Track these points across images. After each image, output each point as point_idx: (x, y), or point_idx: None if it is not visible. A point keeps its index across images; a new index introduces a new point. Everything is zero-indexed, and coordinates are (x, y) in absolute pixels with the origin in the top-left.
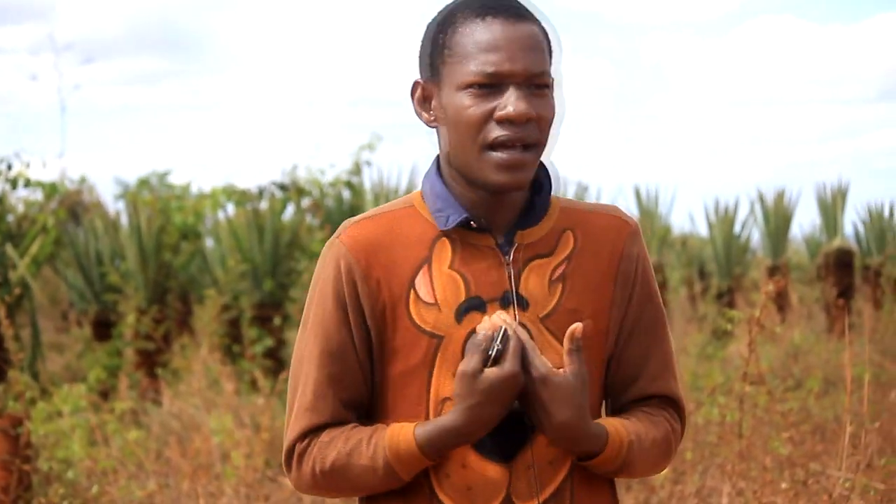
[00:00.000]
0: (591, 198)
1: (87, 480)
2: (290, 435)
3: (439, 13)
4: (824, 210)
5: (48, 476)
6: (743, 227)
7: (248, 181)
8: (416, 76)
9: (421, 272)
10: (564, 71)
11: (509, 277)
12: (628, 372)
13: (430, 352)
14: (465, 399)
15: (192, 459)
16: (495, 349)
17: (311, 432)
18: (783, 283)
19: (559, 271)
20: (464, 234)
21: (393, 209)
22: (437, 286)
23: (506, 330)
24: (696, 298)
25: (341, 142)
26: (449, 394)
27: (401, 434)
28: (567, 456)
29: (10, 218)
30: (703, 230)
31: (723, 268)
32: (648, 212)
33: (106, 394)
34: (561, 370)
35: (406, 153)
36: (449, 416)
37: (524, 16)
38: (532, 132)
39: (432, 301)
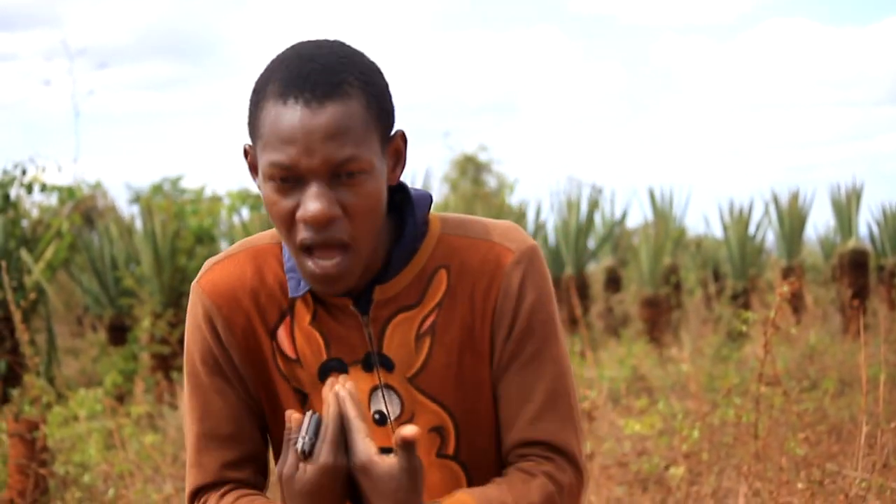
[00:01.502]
0: (605, 202)
1: (103, 484)
2: (186, 489)
3: (259, 76)
4: (838, 211)
5: (64, 480)
6: (758, 228)
7: None
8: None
9: (282, 325)
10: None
11: (370, 339)
12: (507, 416)
13: (299, 407)
14: (288, 502)
15: None
16: (303, 443)
17: (198, 492)
18: (798, 285)
19: (427, 322)
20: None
21: (257, 245)
22: (297, 342)
23: (317, 417)
24: (712, 300)
25: None
26: None
27: None
28: None
29: (25, 223)
30: (717, 232)
31: (738, 269)
32: (663, 214)
33: (122, 398)
34: (390, 457)
35: (419, 157)
36: None
37: (331, 94)
38: (341, 230)
39: (294, 357)
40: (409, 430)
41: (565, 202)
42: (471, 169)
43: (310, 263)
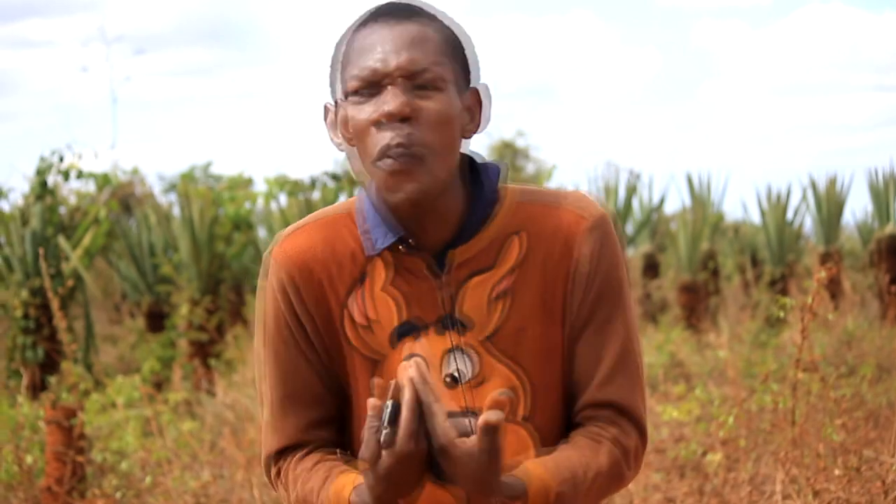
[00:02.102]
0: (643, 187)
1: (140, 472)
2: (263, 452)
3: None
4: (876, 196)
5: (102, 467)
6: (795, 214)
7: (301, 171)
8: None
9: (354, 292)
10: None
11: (443, 302)
12: (579, 377)
13: (370, 374)
14: (372, 489)
15: (246, 450)
16: (384, 434)
17: (279, 454)
18: (835, 270)
19: (502, 285)
20: (396, 255)
21: (328, 216)
22: (370, 309)
23: (394, 406)
24: (749, 286)
25: None
26: None
27: (341, 495)
28: None
29: (63, 210)
30: (755, 217)
31: (775, 255)
32: (701, 199)
33: (160, 385)
34: (471, 439)
35: None
36: (370, 497)
37: (411, 17)
38: (415, 137)
39: (366, 324)
40: (493, 416)
41: (603, 188)
42: (509, 155)
43: (383, 163)
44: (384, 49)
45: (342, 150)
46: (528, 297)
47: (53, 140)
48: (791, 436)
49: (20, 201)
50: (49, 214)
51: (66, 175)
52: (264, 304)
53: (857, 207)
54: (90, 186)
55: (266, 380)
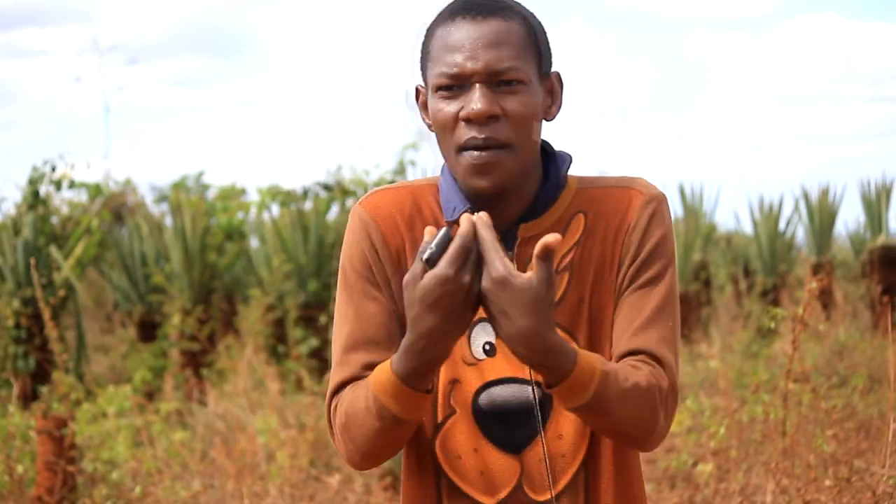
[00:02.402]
0: None
1: (131, 481)
2: (329, 388)
3: (429, 23)
4: (868, 207)
5: (93, 477)
6: (787, 224)
7: (293, 181)
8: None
9: None
10: (579, 66)
11: None
12: (616, 330)
13: None
14: (408, 311)
15: (237, 460)
16: (428, 252)
17: (341, 387)
18: (827, 281)
19: (566, 260)
20: None
21: (414, 184)
22: None
23: (446, 231)
24: (741, 296)
25: (386, 141)
26: (456, 375)
27: (382, 369)
28: (580, 448)
29: (55, 220)
30: (747, 228)
31: (767, 265)
32: (693, 210)
33: (151, 395)
34: (527, 274)
35: None
36: (405, 337)
37: (494, 13)
38: (501, 130)
39: None
40: (551, 237)
41: None
42: None
43: (468, 155)
44: (471, 47)
45: (431, 132)
46: (588, 270)
47: (46, 150)
48: (782, 446)
49: (12, 211)
50: (41, 224)
51: (58, 185)
52: (348, 250)
53: (850, 218)
54: (82, 196)
55: (341, 321)
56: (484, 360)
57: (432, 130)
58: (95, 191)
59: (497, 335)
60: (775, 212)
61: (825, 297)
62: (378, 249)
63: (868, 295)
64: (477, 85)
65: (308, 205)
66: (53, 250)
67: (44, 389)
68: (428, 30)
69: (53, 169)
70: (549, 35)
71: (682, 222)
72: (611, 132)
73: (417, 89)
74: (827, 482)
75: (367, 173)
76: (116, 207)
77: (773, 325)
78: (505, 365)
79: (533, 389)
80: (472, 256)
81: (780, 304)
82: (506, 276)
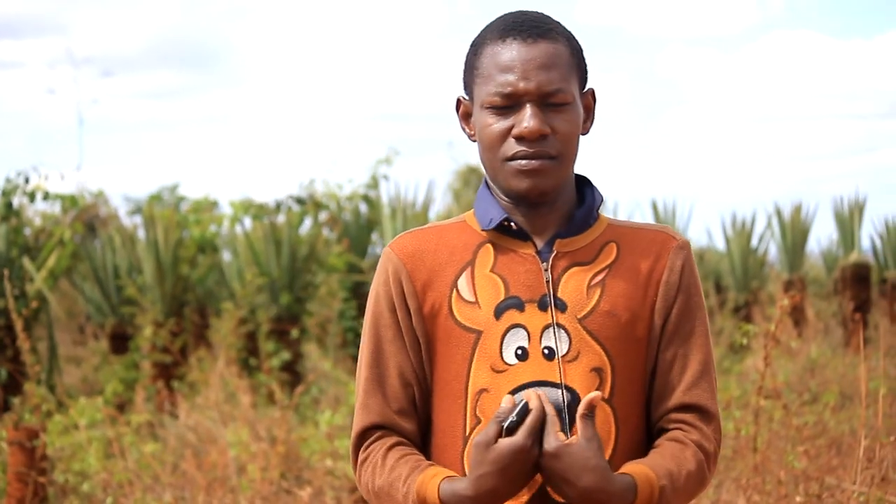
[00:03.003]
0: (607, 211)
1: (102, 493)
2: (353, 431)
3: (475, 38)
4: (841, 224)
5: (64, 488)
6: (760, 241)
7: (266, 195)
8: (458, 93)
9: (464, 274)
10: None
11: (547, 282)
12: (666, 380)
13: (470, 346)
14: (475, 468)
15: (208, 472)
16: (510, 421)
17: (367, 431)
18: (799, 298)
19: (599, 277)
20: (506, 241)
21: (444, 223)
22: (478, 286)
23: (525, 404)
24: (713, 312)
25: (359, 156)
26: (485, 384)
27: (429, 485)
28: (605, 450)
29: (28, 231)
30: (720, 244)
31: (740, 282)
32: (665, 225)
33: (122, 406)
34: (573, 438)
35: (423, 167)
36: (463, 482)
37: (544, 35)
38: (550, 146)
39: (473, 300)
40: (595, 394)
41: None
42: (474, 179)
43: (517, 162)
44: (523, 69)
45: (471, 140)
46: (620, 291)
47: (20, 161)
48: (753, 462)
49: None
50: (14, 236)
51: (31, 197)
52: (373, 291)
53: (822, 235)
54: (55, 208)
55: (362, 362)
56: (515, 365)
57: (473, 140)
58: (70, 202)
59: (563, 498)
60: (748, 228)
61: (797, 314)
62: (404, 284)
63: (840, 312)
64: (528, 105)
65: (281, 218)
66: (26, 262)
67: (15, 400)
68: (476, 45)
69: (27, 180)
70: (584, 53)
71: None
72: (585, 148)
73: (459, 100)
74: (798, 498)
75: (340, 187)
76: (89, 219)
77: (744, 341)
78: (535, 369)
79: (563, 393)
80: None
81: (751, 320)
82: (557, 450)
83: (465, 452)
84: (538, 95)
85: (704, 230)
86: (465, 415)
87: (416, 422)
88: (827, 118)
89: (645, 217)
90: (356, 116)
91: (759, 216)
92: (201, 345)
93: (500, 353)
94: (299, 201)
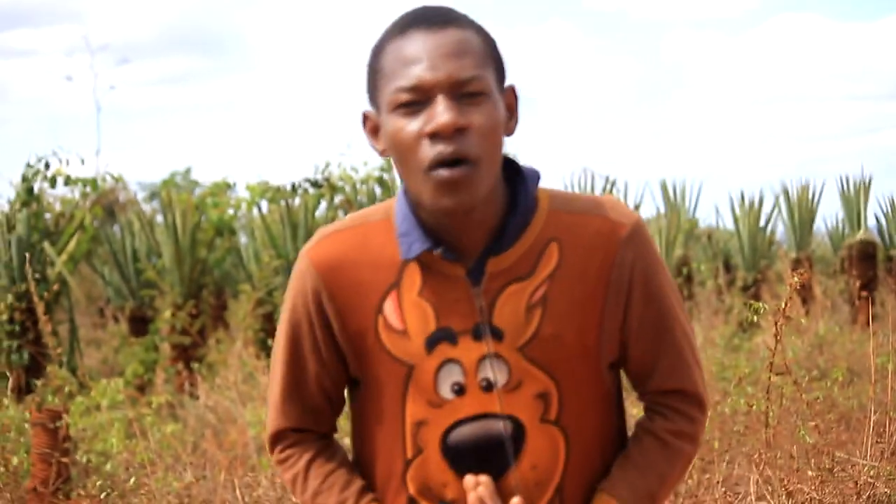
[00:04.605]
0: (618, 193)
1: (124, 473)
2: (267, 429)
3: (376, 42)
4: (847, 203)
5: (86, 468)
6: (768, 220)
7: (282, 178)
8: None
9: (389, 297)
10: (525, 77)
11: (480, 310)
12: (641, 370)
13: (402, 378)
14: None
15: (228, 451)
16: None
17: (284, 434)
18: (807, 276)
19: (538, 294)
20: (432, 261)
21: (368, 221)
22: (405, 313)
23: None
24: (723, 291)
25: None
26: (422, 417)
27: None
28: (553, 475)
29: (48, 216)
30: (728, 224)
31: (748, 260)
32: (675, 206)
33: (143, 388)
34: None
35: None
36: None
37: (450, 22)
38: (468, 144)
39: (401, 328)
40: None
41: None
42: None
43: (437, 174)
44: (430, 58)
45: (385, 157)
46: (563, 303)
47: (38, 148)
48: (765, 438)
49: (6, 207)
50: (35, 220)
51: (52, 182)
52: (290, 299)
53: (829, 214)
54: (75, 193)
55: (278, 363)
56: (452, 400)
57: (386, 156)
58: (91, 185)
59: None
60: (756, 208)
61: (804, 292)
62: (325, 304)
63: (847, 290)
64: (440, 97)
65: (297, 201)
66: (47, 246)
67: (38, 383)
68: (376, 48)
69: (47, 166)
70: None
71: (664, 218)
72: (592, 130)
73: (365, 115)
74: (809, 473)
75: (356, 170)
76: (108, 204)
77: (755, 318)
78: (474, 401)
79: (504, 424)
80: None
81: (760, 298)
82: None
83: (409, 474)
84: (450, 85)
85: (713, 210)
86: (404, 442)
87: (331, 425)
88: (832, 99)
89: (656, 199)
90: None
91: (766, 196)
92: (219, 326)
93: (436, 388)
94: (315, 184)
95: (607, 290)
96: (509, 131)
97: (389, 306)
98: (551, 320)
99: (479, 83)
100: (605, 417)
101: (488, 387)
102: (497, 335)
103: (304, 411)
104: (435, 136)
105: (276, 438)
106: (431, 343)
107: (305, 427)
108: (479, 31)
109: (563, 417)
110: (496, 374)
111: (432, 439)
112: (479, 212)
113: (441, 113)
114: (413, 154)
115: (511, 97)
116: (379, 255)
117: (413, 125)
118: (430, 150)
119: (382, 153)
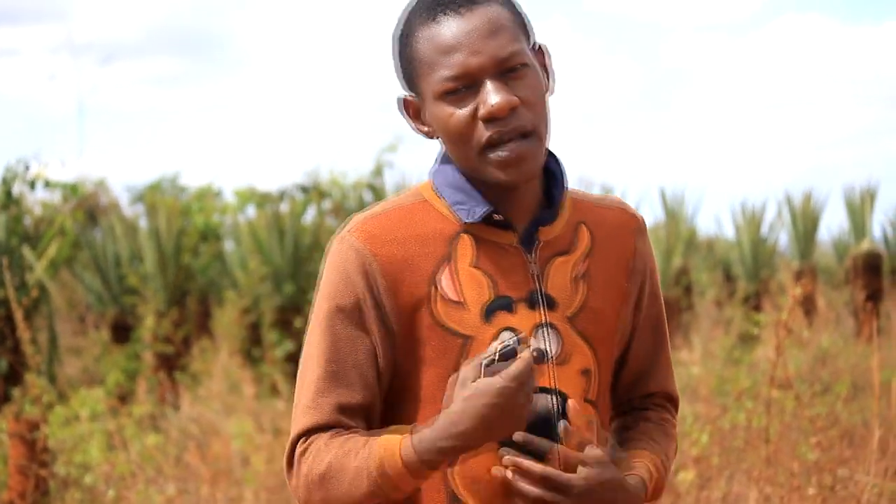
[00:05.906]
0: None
1: (104, 485)
2: (291, 435)
3: (397, 24)
4: (852, 212)
5: (65, 481)
6: (770, 229)
7: (269, 183)
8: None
9: (443, 270)
10: (553, 45)
11: (534, 277)
12: (638, 368)
13: (457, 351)
14: (445, 404)
15: (211, 464)
16: (487, 359)
17: (312, 432)
18: (810, 287)
19: (580, 268)
20: (484, 231)
21: (402, 203)
22: (461, 284)
23: (512, 347)
24: (723, 302)
25: (363, 143)
26: None
27: (394, 439)
28: None
29: (28, 220)
30: (729, 233)
31: (750, 271)
32: (674, 214)
33: (124, 398)
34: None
35: (428, 154)
36: (433, 422)
37: (475, 1)
38: (523, 118)
39: (458, 300)
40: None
41: None
42: None
43: (497, 153)
44: (469, 42)
45: (430, 139)
46: (601, 280)
47: (19, 149)
48: (765, 454)
49: None
50: (14, 224)
51: (31, 185)
52: (331, 284)
53: (833, 223)
54: (56, 197)
55: (314, 358)
56: None
57: (433, 138)
58: (72, 190)
59: None
60: (758, 216)
61: (807, 304)
62: (378, 280)
63: (851, 301)
64: (487, 80)
65: (284, 207)
66: (26, 251)
67: (16, 392)
68: (404, 36)
69: (27, 168)
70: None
71: (663, 227)
72: (591, 134)
73: (406, 100)
74: (810, 490)
75: (345, 175)
76: (90, 208)
77: (755, 330)
78: (546, 373)
79: (555, 398)
80: (532, 385)
81: (761, 309)
82: (586, 487)
83: (456, 465)
84: (494, 66)
85: (714, 219)
86: None
87: (367, 418)
88: (838, 105)
89: (654, 207)
90: (360, 104)
91: (769, 204)
92: (204, 335)
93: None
94: (303, 190)
95: (629, 279)
96: (551, 91)
97: (444, 278)
98: (594, 295)
99: (518, 57)
100: (607, 412)
101: (541, 357)
102: (550, 304)
103: (338, 408)
104: (489, 119)
105: (303, 439)
106: (489, 312)
107: (340, 423)
108: (502, 1)
109: (599, 399)
110: (550, 344)
111: None
112: (532, 181)
113: (493, 96)
114: (468, 137)
115: (541, 56)
116: (424, 230)
117: (464, 110)
118: (486, 132)
119: (428, 135)
